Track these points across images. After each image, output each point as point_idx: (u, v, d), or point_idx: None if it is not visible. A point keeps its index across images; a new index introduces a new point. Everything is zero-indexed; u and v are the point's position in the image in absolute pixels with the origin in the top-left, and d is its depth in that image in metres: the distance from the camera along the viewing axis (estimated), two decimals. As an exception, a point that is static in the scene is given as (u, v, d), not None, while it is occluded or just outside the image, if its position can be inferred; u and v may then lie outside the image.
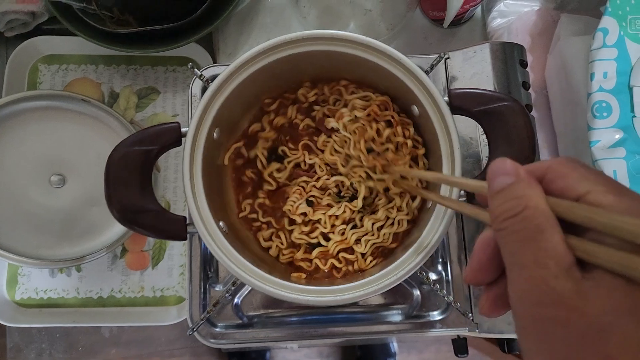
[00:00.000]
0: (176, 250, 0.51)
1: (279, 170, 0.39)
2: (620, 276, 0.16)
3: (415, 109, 0.35)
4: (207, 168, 0.35)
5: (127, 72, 0.52)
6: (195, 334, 0.40)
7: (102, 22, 0.46)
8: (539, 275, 0.17)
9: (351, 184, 0.38)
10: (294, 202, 0.38)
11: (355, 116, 0.37)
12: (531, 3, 0.49)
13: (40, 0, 0.46)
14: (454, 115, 0.33)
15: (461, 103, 0.33)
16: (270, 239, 0.38)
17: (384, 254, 0.38)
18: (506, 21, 0.49)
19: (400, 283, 0.33)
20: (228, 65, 0.34)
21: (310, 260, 0.38)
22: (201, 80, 0.41)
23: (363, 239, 0.37)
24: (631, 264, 0.16)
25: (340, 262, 0.37)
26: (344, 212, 0.38)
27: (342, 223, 0.38)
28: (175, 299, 0.50)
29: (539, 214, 0.18)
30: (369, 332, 0.43)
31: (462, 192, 0.32)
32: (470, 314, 0.39)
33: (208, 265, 0.42)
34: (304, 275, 0.38)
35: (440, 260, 0.43)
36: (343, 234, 0.38)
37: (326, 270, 0.38)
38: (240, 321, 0.42)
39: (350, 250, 0.38)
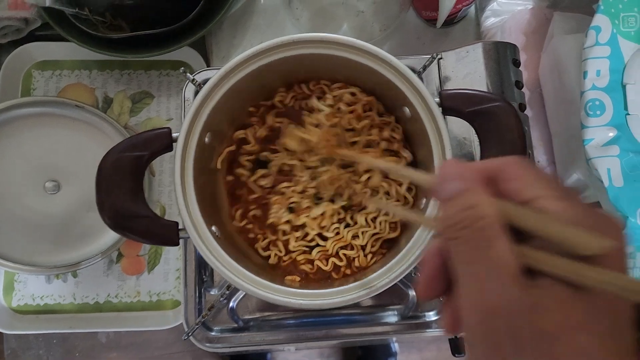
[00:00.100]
0: (172, 254, 0.51)
1: (264, 177, 0.39)
2: (567, 284, 0.16)
3: (407, 111, 0.35)
4: (199, 172, 0.35)
5: (121, 77, 0.52)
6: (191, 338, 0.40)
7: (94, 27, 0.46)
8: (487, 285, 0.17)
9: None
10: (276, 212, 0.38)
11: (339, 108, 0.37)
12: (524, 1, 0.49)
13: (33, 7, 0.46)
14: (447, 116, 0.33)
15: (452, 104, 0.33)
16: (268, 248, 0.38)
17: (386, 246, 0.38)
18: (499, 20, 0.49)
19: (396, 284, 0.33)
20: (220, 69, 0.34)
21: (312, 262, 0.38)
22: (193, 84, 0.41)
23: (360, 231, 0.37)
24: (579, 271, 0.16)
25: (341, 260, 0.37)
26: (325, 212, 0.37)
27: (332, 223, 0.37)
28: (171, 303, 0.50)
29: (489, 224, 0.17)
30: (365, 334, 0.43)
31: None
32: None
33: (203, 270, 0.42)
34: (298, 278, 0.38)
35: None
36: (338, 233, 0.38)
37: (328, 271, 0.37)
38: (236, 325, 0.42)
39: (350, 247, 0.38)
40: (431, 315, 0.42)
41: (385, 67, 0.34)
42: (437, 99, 0.33)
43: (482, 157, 0.32)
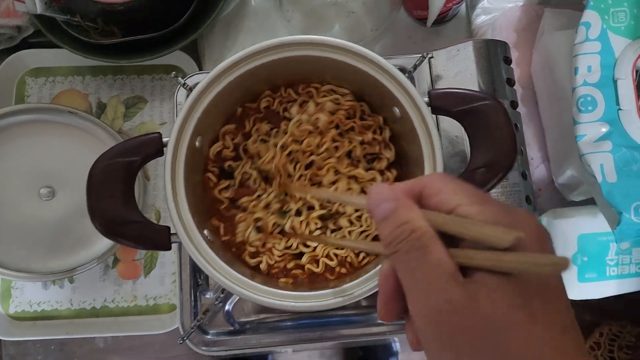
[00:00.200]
0: (168, 258, 0.51)
1: (227, 188, 0.38)
2: (496, 273, 0.18)
3: (397, 111, 0.35)
4: (190, 176, 0.35)
5: (114, 82, 0.52)
6: (187, 342, 0.40)
7: (86, 33, 0.46)
8: (430, 288, 0.19)
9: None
10: (243, 231, 0.37)
11: (317, 119, 0.37)
12: (515, -1, 0.49)
13: (24, 14, 0.46)
14: (441, 115, 0.33)
15: (441, 103, 0.32)
16: (256, 256, 0.38)
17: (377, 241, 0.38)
18: (490, 18, 0.49)
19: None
20: (209, 72, 0.34)
21: (303, 267, 0.38)
22: (185, 88, 0.41)
23: (346, 232, 0.37)
24: (500, 258, 0.18)
25: (332, 260, 0.37)
26: (302, 221, 0.37)
27: (316, 228, 0.37)
28: (168, 307, 0.50)
29: (423, 234, 0.19)
30: (362, 335, 0.42)
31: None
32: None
33: (198, 273, 0.42)
34: (291, 280, 0.38)
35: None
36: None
37: (320, 273, 0.37)
38: (232, 328, 0.42)
39: (340, 247, 0.37)
40: (427, 315, 0.42)
41: (373, 67, 0.34)
42: (427, 99, 0.33)
43: (471, 156, 0.32)
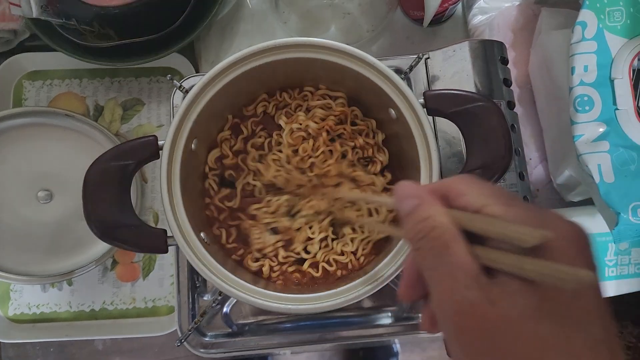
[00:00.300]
0: (166, 260, 0.51)
1: (229, 198, 0.38)
2: (522, 279, 0.17)
3: (392, 112, 0.35)
4: (186, 179, 0.35)
5: (111, 85, 0.53)
6: (185, 344, 0.40)
7: (83, 36, 0.46)
8: (451, 287, 0.19)
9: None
10: (258, 237, 0.37)
11: (307, 126, 0.37)
12: (512, -2, 0.49)
13: (20, 18, 0.47)
14: (437, 117, 0.33)
15: (436, 105, 0.32)
16: (258, 260, 0.38)
17: (377, 249, 0.38)
18: (487, 18, 0.49)
19: (389, 285, 0.33)
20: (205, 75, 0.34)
21: (303, 272, 0.38)
22: (181, 91, 0.41)
23: (348, 239, 0.37)
24: (522, 265, 0.17)
25: (331, 266, 0.37)
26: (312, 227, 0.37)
27: (319, 233, 0.37)
28: (167, 309, 0.50)
29: (444, 231, 0.19)
30: (360, 336, 0.42)
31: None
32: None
33: (196, 275, 0.42)
34: (290, 283, 0.38)
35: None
36: (327, 245, 0.38)
37: (319, 277, 0.37)
38: (230, 330, 0.42)
39: (340, 253, 0.38)
40: (425, 316, 0.42)
41: (369, 69, 0.34)
42: (422, 100, 0.33)
43: (467, 158, 0.32)
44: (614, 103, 0.39)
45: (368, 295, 0.31)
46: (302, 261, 0.38)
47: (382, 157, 0.38)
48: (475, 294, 0.18)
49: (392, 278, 0.32)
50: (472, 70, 0.42)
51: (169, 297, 0.50)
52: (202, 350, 0.41)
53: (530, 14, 0.48)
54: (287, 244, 0.38)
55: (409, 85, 0.42)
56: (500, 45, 0.43)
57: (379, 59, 0.33)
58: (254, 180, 0.38)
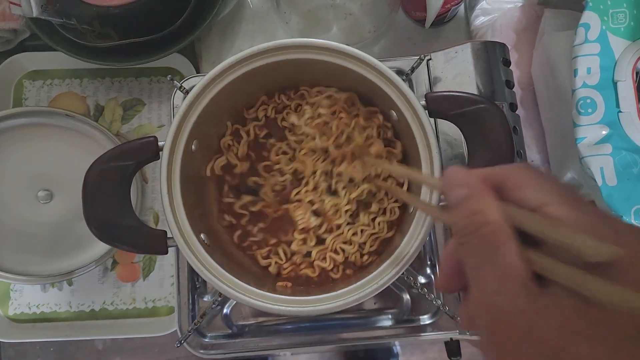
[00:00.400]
0: (167, 261, 0.51)
1: (253, 203, 0.38)
2: (576, 293, 0.16)
3: (394, 114, 0.35)
4: (186, 180, 0.35)
5: (112, 85, 0.52)
6: (185, 345, 0.40)
7: (83, 36, 0.46)
8: (496, 291, 0.17)
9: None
10: (302, 218, 0.37)
11: (319, 114, 0.37)
12: (515, -1, 0.49)
13: (20, 18, 0.46)
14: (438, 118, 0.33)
15: (438, 107, 0.32)
16: (268, 257, 0.38)
17: (383, 247, 0.38)
18: (489, 19, 0.48)
19: (389, 287, 0.32)
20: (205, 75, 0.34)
21: (312, 265, 0.38)
22: (181, 91, 0.41)
23: (359, 229, 0.38)
24: (584, 283, 0.15)
25: (337, 254, 0.37)
26: (347, 203, 0.37)
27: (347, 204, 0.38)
28: (167, 310, 0.50)
29: (496, 230, 0.18)
30: (361, 338, 0.42)
31: (442, 196, 0.32)
32: (458, 317, 0.39)
33: (196, 276, 0.42)
34: (290, 284, 0.38)
35: (428, 262, 0.42)
36: (339, 227, 0.38)
37: (327, 269, 0.37)
38: (230, 331, 0.42)
39: (349, 242, 0.38)
40: (425, 319, 0.42)
41: (370, 71, 0.34)
42: (424, 102, 0.33)
43: (468, 160, 0.32)
44: (617, 105, 0.38)
45: (369, 297, 0.31)
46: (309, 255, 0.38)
47: (398, 145, 0.38)
48: (523, 302, 0.16)
49: (392, 281, 0.32)
50: (474, 71, 0.42)
51: (169, 298, 0.50)
52: (201, 351, 0.41)
53: (533, 15, 0.48)
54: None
55: (411, 86, 0.42)
56: (503, 46, 0.43)
57: (380, 60, 0.33)
58: (282, 177, 0.38)
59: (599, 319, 0.15)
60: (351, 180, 0.38)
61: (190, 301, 0.42)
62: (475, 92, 0.41)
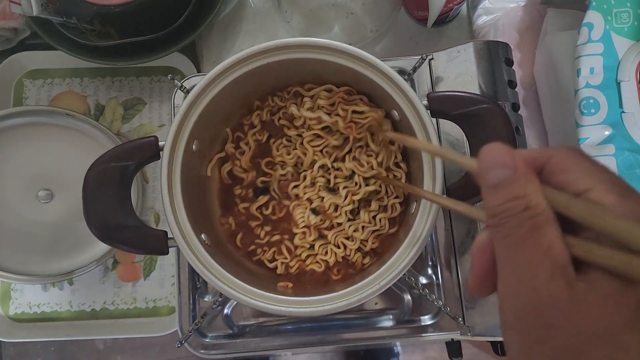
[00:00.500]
0: (168, 260, 0.51)
1: (266, 205, 0.39)
2: (617, 278, 0.15)
3: (395, 114, 0.35)
4: (187, 180, 0.34)
5: (113, 84, 0.52)
6: (185, 345, 0.40)
7: (83, 35, 0.46)
8: (532, 274, 0.16)
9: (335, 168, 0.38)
10: (303, 217, 0.37)
11: (319, 105, 0.37)
12: (517, -2, 0.48)
13: (21, 16, 0.46)
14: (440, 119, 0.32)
15: (440, 107, 0.32)
16: (273, 260, 0.38)
17: (386, 242, 0.38)
18: (492, 18, 0.48)
19: (391, 288, 0.32)
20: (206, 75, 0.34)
21: (314, 257, 0.38)
22: (182, 91, 0.41)
23: (360, 226, 0.38)
24: (630, 261, 0.15)
25: (339, 248, 0.38)
26: (345, 200, 0.37)
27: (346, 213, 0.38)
28: (168, 310, 0.50)
29: (538, 214, 0.17)
30: (362, 339, 0.42)
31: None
32: (460, 318, 0.39)
33: (196, 276, 0.42)
34: (290, 285, 0.38)
35: (430, 263, 0.42)
36: (340, 224, 0.38)
37: (332, 264, 0.38)
38: (231, 331, 0.42)
39: (350, 238, 0.38)
40: (427, 320, 0.42)
41: (372, 70, 0.33)
42: (426, 102, 0.33)
43: (471, 161, 0.32)
44: (620, 106, 0.38)
45: (370, 298, 0.31)
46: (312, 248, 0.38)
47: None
48: (560, 287, 0.15)
49: (393, 282, 0.32)
50: (476, 71, 0.41)
51: (170, 298, 0.50)
52: (202, 351, 0.41)
53: (536, 14, 0.47)
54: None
55: (412, 86, 0.42)
56: (505, 46, 0.42)
57: (382, 60, 0.33)
58: (282, 169, 0.38)
59: None
60: (350, 177, 0.37)
61: (191, 301, 0.42)
62: (478, 92, 0.41)
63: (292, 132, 0.38)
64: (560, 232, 0.16)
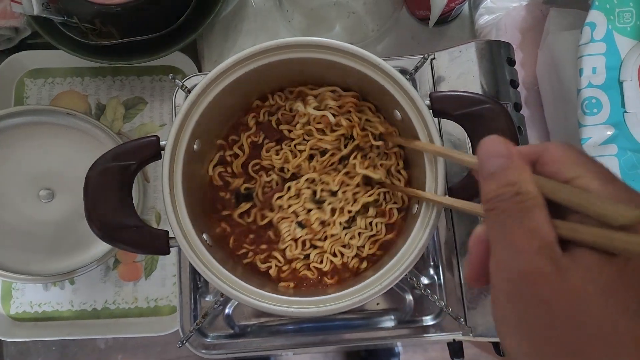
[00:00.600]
0: (169, 260, 0.51)
1: (248, 212, 0.38)
2: (599, 252, 0.17)
3: (397, 114, 0.34)
4: (188, 179, 0.34)
5: (114, 83, 0.52)
6: (187, 344, 0.40)
7: (84, 34, 0.46)
8: (521, 250, 0.18)
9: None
10: (288, 231, 0.37)
11: (327, 105, 0.36)
12: (519, -2, 0.48)
13: (22, 16, 0.46)
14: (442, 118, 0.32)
15: (442, 106, 0.32)
16: (267, 261, 0.38)
17: (382, 250, 0.38)
18: (494, 18, 0.48)
19: (392, 288, 0.32)
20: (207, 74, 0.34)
21: (309, 267, 0.37)
22: (183, 90, 0.41)
23: (356, 232, 0.37)
24: (610, 235, 0.16)
25: (335, 256, 0.37)
26: (332, 215, 0.37)
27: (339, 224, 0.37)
28: (169, 309, 0.50)
29: (528, 198, 0.18)
30: (363, 339, 0.42)
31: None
32: (462, 319, 0.39)
33: (198, 276, 0.42)
34: (292, 285, 0.37)
35: (432, 263, 0.42)
36: (334, 234, 0.37)
37: (326, 272, 0.37)
38: (232, 331, 0.42)
39: (347, 246, 0.38)
40: (428, 320, 0.41)
41: (373, 70, 0.33)
42: (428, 101, 0.33)
43: (473, 161, 0.32)
44: (623, 106, 0.38)
45: (372, 299, 0.31)
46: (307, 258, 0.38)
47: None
48: (547, 262, 0.17)
49: (395, 283, 0.31)
50: (478, 71, 0.41)
51: (172, 297, 0.50)
52: (203, 351, 0.41)
53: (539, 14, 0.47)
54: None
55: (414, 86, 0.42)
56: (508, 46, 0.42)
57: (383, 59, 0.33)
58: (267, 176, 0.38)
59: (626, 272, 0.16)
60: (334, 194, 0.37)
61: (192, 301, 0.42)
62: (480, 92, 0.41)
63: (299, 130, 0.38)
64: (548, 215, 0.18)
